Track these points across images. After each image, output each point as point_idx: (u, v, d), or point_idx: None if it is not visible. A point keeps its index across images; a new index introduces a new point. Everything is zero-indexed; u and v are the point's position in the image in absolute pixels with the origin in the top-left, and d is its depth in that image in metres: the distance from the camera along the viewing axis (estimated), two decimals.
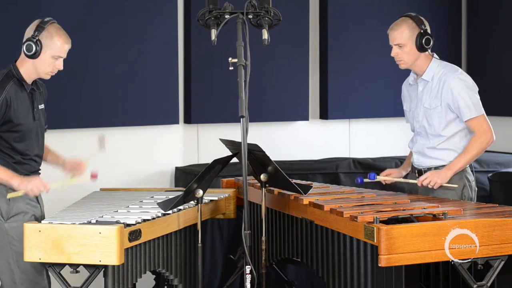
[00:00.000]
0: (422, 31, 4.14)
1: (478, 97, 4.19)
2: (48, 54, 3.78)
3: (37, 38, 3.74)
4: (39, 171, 3.95)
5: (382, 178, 4.36)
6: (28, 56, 3.76)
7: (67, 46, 3.83)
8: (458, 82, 4.16)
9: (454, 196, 4.17)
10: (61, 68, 3.85)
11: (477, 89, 4.21)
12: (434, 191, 4.18)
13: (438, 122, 4.20)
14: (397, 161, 5.58)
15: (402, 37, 4.16)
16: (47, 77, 3.87)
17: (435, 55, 4.27)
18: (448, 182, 4.15)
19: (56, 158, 4.13)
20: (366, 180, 4.27)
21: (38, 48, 3.74)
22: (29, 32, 3.79)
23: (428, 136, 4.26)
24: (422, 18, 4.19)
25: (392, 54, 4.22)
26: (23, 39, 3.79)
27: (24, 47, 3.76)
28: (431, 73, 4.22)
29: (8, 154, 3.78)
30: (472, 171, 4.28)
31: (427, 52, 4.21)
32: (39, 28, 3.76)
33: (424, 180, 4.16)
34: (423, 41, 4.14)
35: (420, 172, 4.30)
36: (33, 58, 3.77)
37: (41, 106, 3.93)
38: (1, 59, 4.26)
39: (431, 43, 4.16)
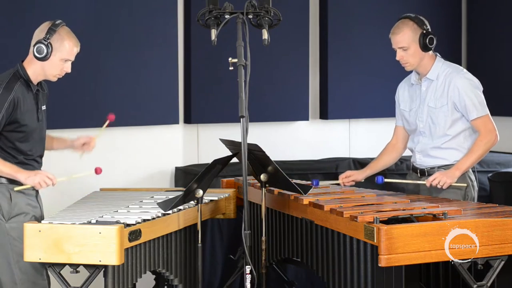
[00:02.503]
0: (424, 31, 4.14)
1: (483, 97, 4.20)
2: (58, 57, 3.78)
3: (48, 41, 3.74)
4: None
5: (387, 180, 4.37)
6: (38, 58, 3.75)
7: (76, 49, 3.83)
8: (465, 81, 4.18)
9: (458, 196, 4.18)
10: (69, 71, 3.85)
11: (481, 88, 4.22)
12: (439, 190, 4.18)
13: (444, 121, 4.20)
14: (397, 161, 5.57)
15: (405, 39, 4.14)
16: (54, 79, 3.87)
17: (438, 54, 4.27)
18: (456, 182, 4.16)
19: (63, 141, 4.14)
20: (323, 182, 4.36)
21: (48, 50, 3.74)
22: (39, 34, 3.77)
23: (432, 136, 4.26)
24: (422, 18, 4.19)
25: (397, 58, 4.21)
26: (33, 41, 3.78)
27: (34, 49, 3.74)
28: (436, 72, 4.22)
29: (11, 154, 3.78)
30: (474, 170, 4.29)
31: (431, 52, 4.21)
32: (51, 31, 3.75)
33: (433, 180, 4.15)
34: (427, 41, 4.14)
35: (423, 172, 4.30)
36: (42, 61, 3.76)
37: (44, 107, 3.93)
38: (9, 59, 4.25)
39: (435, 42, 4.16)
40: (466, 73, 4.25)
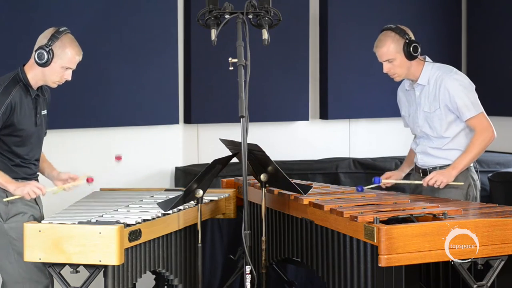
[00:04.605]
0: (407, 40, 4.13)
1: (476, 95, 4.19)
2: (59, 64, 3.77)
3: (50, 47, 3.73)
4: (37, 174, 3.95)
5: (385, 181, 4.35)
6: (38, 64, 3.75)
7: (77, 58, 3.82)
8: (454, 83, 4.16)
9: (459, 195, 4.18)
10: (69, 79, 3.85)
11: (473, 87, 4.21)
12: (440, 189, 4.18)
13: (440, 125, 4.20)
14: (397, 161, 5.58)
15: (390, 52, 4.15)
16: (54, 85, 3.87)
17: (427, 58, 4.25)
18: (454, 181, 4.16)
19: (50, 168, 4.10)
20: (366, 187, 4.28)
21: (49, 57, 3.73)
22: (42, 40, 3.77)
23: (431, 139, 4.26)
24: (403, 27, 4.18)
25: (385, 70, 4.21)
26: (35, 46, 3.77)
27: (35, 55, 3.74)
28: (426, 77, 4.22)
29: (8, 157, 3.78)
30: (476, 170, 4.29)
31: (417, 58, 4.20)
32: (53, 38, 3.74)
33: (430, 180, 4.15)
34: (411, 50, 4.13)
35: (425, 172, 4.29)
36: (43, 67, 3.75)
37: (44, 112, 3.92)
38: (11, 62, 4.25)
39: (419, 50, 4.15)
40: (456, 73, 4.22)
